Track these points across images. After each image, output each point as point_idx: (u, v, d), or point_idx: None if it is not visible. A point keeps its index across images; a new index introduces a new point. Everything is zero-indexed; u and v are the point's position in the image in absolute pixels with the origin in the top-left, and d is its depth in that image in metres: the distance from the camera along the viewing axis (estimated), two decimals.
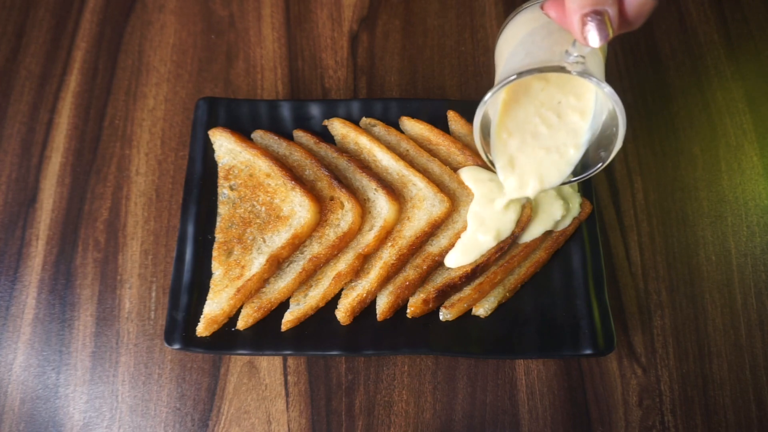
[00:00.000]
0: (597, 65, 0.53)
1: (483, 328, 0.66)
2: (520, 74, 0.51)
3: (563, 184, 0.62)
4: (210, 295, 0.66)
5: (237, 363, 0.68)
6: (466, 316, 0.67)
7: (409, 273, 0.67)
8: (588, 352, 0.64)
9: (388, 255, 0.67)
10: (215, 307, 0.65)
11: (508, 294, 0.68)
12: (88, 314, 0.70)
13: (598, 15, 0.45)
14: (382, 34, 0.85)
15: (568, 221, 0.70)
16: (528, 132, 0.60)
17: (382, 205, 0.67)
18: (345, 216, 0.67)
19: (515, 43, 0.56)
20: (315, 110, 0.76)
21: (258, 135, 0.75)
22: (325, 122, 0.75)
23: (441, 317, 0.67)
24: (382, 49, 0.85)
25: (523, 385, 0.68)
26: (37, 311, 0.70)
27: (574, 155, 0.60)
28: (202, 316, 0.65)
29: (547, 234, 0.69)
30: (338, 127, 0.74)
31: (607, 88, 0.51)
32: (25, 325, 0.70)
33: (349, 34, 0.85)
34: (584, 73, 0.50)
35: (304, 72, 0.83)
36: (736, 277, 0.72)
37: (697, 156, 0.78)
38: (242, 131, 0.74)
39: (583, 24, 0.45)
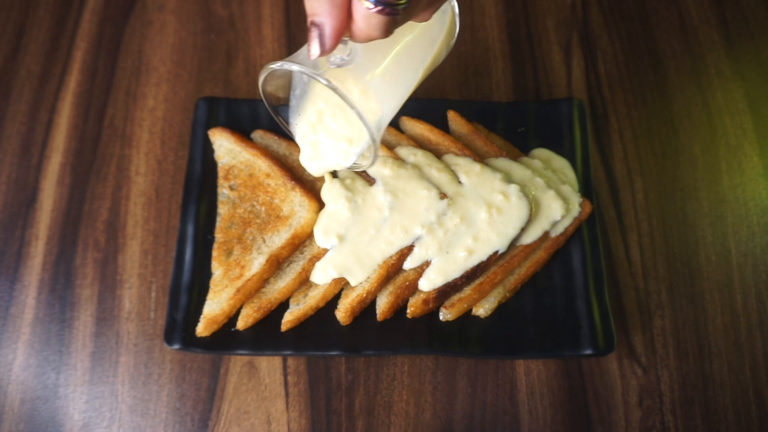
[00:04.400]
0: (401, 66, 0.51)
1: (483, 328, 0.66)
2: (272, 67, 0.49)
3: (353, 169, 0.61)
4: (210, 296, 0.66)
5: (237, 363, 0.68)
6: (466, 316, 0.67)
7: (409, 273, 0.67)
8: (588, 352, 0.64)
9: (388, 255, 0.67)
10: (215, 307, 0.65)
11: (508, 294, 0.68)
12: (88, 314, 0.70)
13: (316, 27, 0.42)
14: None
15: (568, 221, 0.70)
16: (328, 110, 0.58)
17: None
18: None
19: None
20: None
21: (258, 135, 0.74)
22: None
23: (441, 317, 0.67)
24: None
25: (523, 385, 0.68)
26: (36, 311, 0.70)
27: (357, 146, 0.58)
28: (201, 316, 0.65)
29: (547, 234, 0.69)
30: None
31: (355, 105, 0.48)
32: (24, 326, 0.70)
33: None
34: (324, 78, 0.47)
35: None
36: (736, 277, 0.72)
37: (697, 156, 0.78)
38: (242, 131, 0.74)
39: (309, 31, 0.43)
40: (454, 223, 0.66)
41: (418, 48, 0.54)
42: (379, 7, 0.41)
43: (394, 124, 0.75)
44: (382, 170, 0.68)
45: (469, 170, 0.69)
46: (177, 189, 0.75)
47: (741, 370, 0.68)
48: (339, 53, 0.49)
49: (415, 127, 0.74)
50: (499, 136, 0.75)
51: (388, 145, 0.72)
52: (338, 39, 0.43)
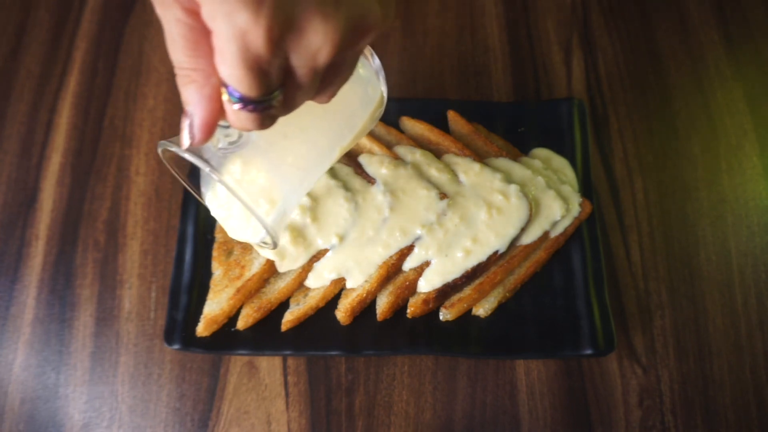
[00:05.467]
0: (310, 146, 0.45)
1: (483, 328, 0.66)
2: (170, 149, 0.44)
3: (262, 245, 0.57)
4: (210, 295, 0.66)
5: (237, 363, 0.68)
6: (466, 316, 0.67)
7: (409, 273, 0.67)
8: (588, 352, 0.64)
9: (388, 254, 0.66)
10: (215, 307, 0.65)
11: (508, 294, 0.68)
12: (88, 314, 0.70)
13: (187, 117, 0.38)
14: (381, 34, 0.85)
15: (568, 221, 0.70)
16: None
17: None
18: None
19: None
20: None
21: None
22: None
23: (441, 317, 0.67)
24: (382, 49, 0.84)
25: (523, 385, 0.68)
26: (37, 311, 0.70)
27: (259, 228, 0.53)
28: (201, 316, 0.65)
29: (547, 234, 0.69)
30: None
31: (245, 200, 0.44)
32: (24, 325, 0.70)
33: None
34: (210, 169, 0.43)
35: None
36: (736, 277, 0.72)
37: (698, 156, 0.78)
38: None
39: (182, 120, 0.38)
40: (453, 223, 0.66)
41: (332, 123, 0.47)
42: (240, 105, 0.36)
43: (394, 123, 0.75)
44: (381, 170, 0.68)
45: (468, 170, 0.69)
46: (177, 189, 0.75)
47: (741, 370, 0.68)
48: (225, 138, 0.44)
49: (414, 126, 0.74)
50: (499, 136, 0.75)
51: (388, 145, 0.72)
52: (209, 131, 0.38)
